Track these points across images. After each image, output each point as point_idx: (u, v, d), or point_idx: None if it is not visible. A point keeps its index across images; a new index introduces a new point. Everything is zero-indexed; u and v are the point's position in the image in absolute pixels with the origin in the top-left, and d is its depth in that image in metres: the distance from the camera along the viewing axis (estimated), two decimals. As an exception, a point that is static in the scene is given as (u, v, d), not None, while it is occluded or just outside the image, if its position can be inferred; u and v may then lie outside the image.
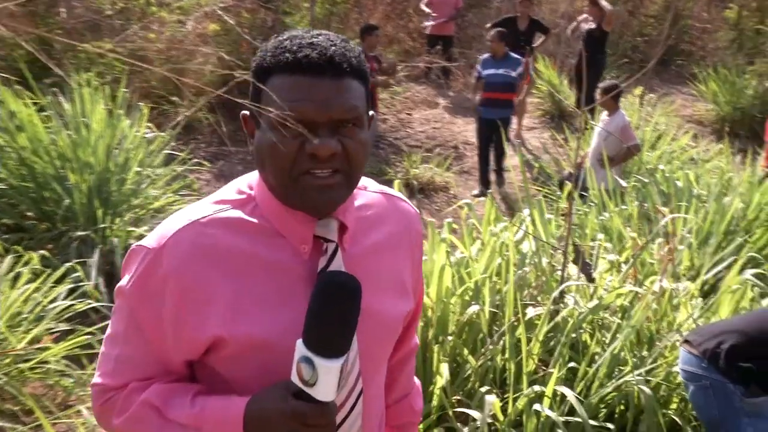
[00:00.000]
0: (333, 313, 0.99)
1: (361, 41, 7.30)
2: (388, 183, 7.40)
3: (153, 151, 5.03)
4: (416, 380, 1.54)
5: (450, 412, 2.70)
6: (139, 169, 4.72)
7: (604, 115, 6.19)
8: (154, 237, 1.12)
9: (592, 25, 8.39)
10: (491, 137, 7.03)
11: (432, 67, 9.77)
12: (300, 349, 1.00)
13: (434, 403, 2.76)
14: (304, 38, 1.07)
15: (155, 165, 5.00)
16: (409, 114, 9.31)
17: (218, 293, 1.08)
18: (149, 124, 5.26)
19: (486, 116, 6.99)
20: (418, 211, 1.35)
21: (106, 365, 1.17)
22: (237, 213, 1.12)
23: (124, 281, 1.13)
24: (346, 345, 1.01)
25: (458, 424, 2.70)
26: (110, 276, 3.97)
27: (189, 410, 1.09)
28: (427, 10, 9.86)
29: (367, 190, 1.26)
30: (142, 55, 6.28)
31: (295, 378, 1.01)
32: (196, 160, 5.86)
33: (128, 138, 4.76)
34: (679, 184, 5.34)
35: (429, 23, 9.80)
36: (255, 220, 1.12)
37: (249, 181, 1.18)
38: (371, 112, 1.16)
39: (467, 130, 8.98)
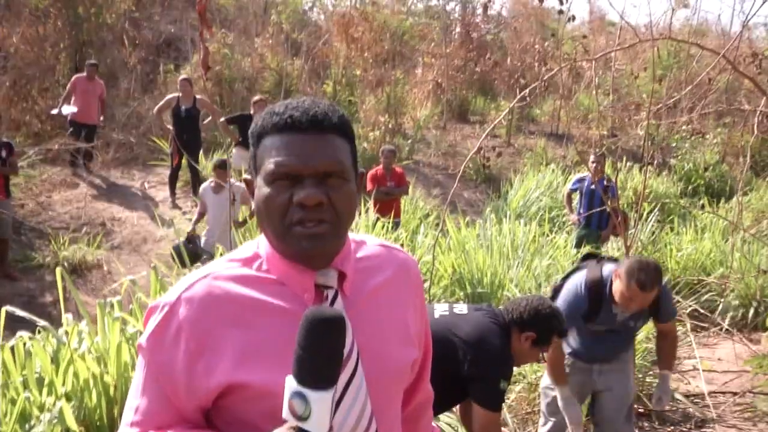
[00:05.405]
0: (321, 345, 0.94)
1: None
2: (38, 268, 6.72)
3: None
4: (435, 426, 1.52)
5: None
6: None
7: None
8: (170, 293, 1.12)
9: (189, 105, 8.39)
10: None
11: (71, 151, 9.04)
12: (291, 385, 0.94)
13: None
14: (291, 103, 1.11)
15: None
16: (48, 197, 8.50)
17: (227, 342, 1.07)
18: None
19: None
20: (415, 259, 1.35)
21: (127, 416, 1.13)
22: (245, 269, 1.13)
23: (142, 337, 1.12)
24: (335, 375, 0.96)
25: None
26: None
27: None
28: (66, 111, 8.96)
29: (367, 244, 1.27)
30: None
31: (287, 414, 0.95)
32: None
33: None
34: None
35: (70, 110, 8.94)
36: (261, 274, 1.13)
37: (258, 240, 1.18)
38: (361, 170, 1.18)
39: (112, 206, 8.55)
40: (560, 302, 3.11)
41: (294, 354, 0.95)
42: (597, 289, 3.06)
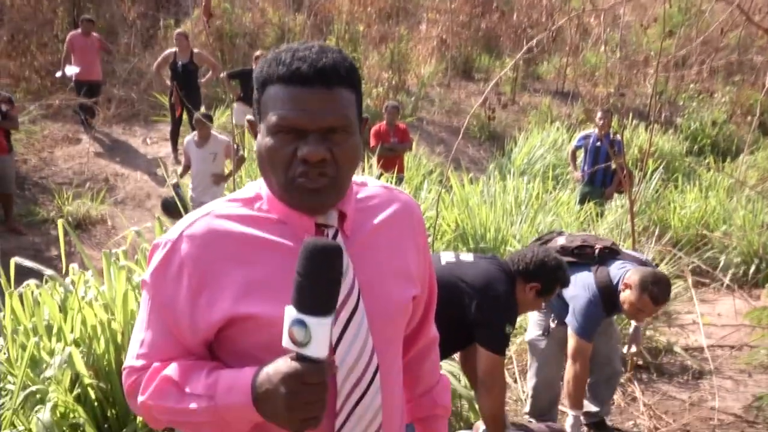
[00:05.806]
0: (320, 273, 0.96)
1: None
2: (42, 223, 6.79)
3: None
4: (443, 374, 1.50)
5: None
6: None
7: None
8: (172, 230, 1.14)
9: (186, 60, 8.31)
10: None
11: (72, 106, 8.99)
12: (290, 313, 0.97)
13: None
14: (299, 51, 1.07)
15: None
16: (51, 152, 8.52)
17: (229, 277, 1.09)
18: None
19: None
20: (416, 201, 1.35)
21: (132, 349, 1.16)
22: (246, 209, 1.15)
23: (146, 273, 1.14)
24: (334, 302, 0.99)
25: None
26: None
27: (204, 381, 1.08)
28: (69, 72, 8.76)
29: (368, 185, 1.27)
30: None
31: (287, 342, 0.97)
32: None
33: None
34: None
35: (73, 71, 8.78)
36: (262, 214, 1.14)
37: (260, 182, 1.19)
38: (365, 116, 1.18)
39: (115, 161, 8.58)
40: (578, 317, 3.10)
41: (293, 282, 0.97)
42: (610, 298, 3.09)
